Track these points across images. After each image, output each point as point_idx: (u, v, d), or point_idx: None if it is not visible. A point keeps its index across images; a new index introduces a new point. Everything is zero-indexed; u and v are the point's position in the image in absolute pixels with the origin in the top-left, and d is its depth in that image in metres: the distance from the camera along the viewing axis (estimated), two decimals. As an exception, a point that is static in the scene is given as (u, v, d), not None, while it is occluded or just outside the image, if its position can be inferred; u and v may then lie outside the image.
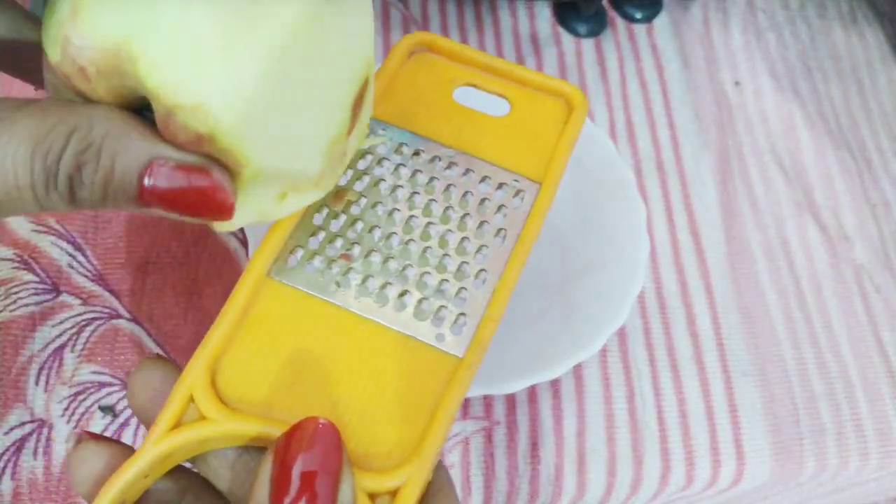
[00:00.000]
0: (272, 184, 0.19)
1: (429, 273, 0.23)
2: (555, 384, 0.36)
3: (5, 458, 0.32)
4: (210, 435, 0.20)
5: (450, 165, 0.24)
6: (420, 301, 0.22)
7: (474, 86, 0.26)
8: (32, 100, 0.17)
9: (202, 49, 0.16)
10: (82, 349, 0.34)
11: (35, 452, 0.32)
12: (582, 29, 0.48)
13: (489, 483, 0.34)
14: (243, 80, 0.17)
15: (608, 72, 0.47)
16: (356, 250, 0.23)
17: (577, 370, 0.37)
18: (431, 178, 0.24)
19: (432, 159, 0.24)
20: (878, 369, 0.40)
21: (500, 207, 0.24)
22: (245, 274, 0.22)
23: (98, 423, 0.33)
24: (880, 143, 0.48)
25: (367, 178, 0.24)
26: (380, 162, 0.24)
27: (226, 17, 0.16)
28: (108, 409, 0.33)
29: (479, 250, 0.23)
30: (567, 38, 0.48)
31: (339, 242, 0.23)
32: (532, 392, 0.36)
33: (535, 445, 0.35)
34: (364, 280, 0.22)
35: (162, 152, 0.17)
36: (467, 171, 0.24)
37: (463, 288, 0.23)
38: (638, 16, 0.50)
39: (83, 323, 0.35)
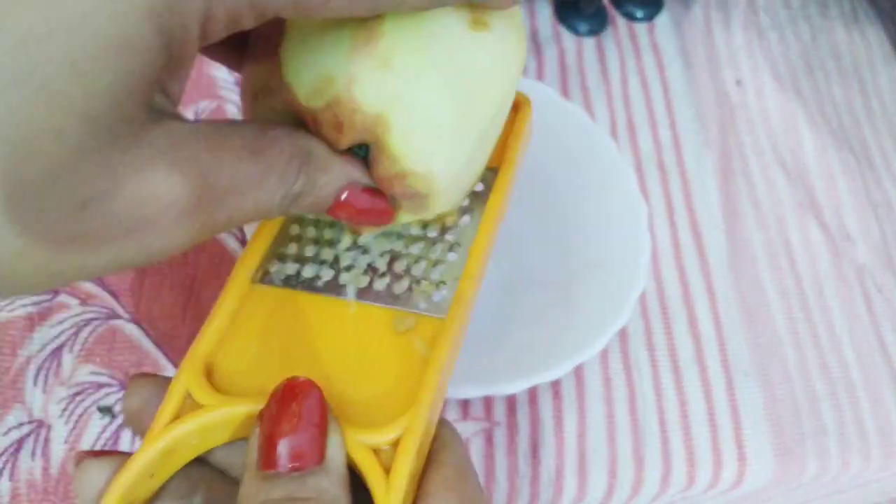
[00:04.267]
0: None
1: (402, 254, 0.25)
2: (555, 385, 0.36)
3: (4, 458, 0.32)
4: (208, 422, 0.20)
5: None
6: (397, 278, 0.24)
7: None
8: (247, 122, 0.20)
9: (440, 132, 0.21)
10: (81, 350, 0.34)
11: (33, 453, 0.32)
12: (583, 27, 0.48)
13: (489, 484, 0.34)
14: (460, 157, 0.22)
15: (609, 71, 0.47)
16: (334, 249, 0.25)
17: (578, 371, 0.37)
18: None
19: None
20: (881, 370, 0.40)
21: (448, 215, 0.26)
22: (231, 279, 0.24)
23: (96, 424, 0.33)
24: (882, 143, 0.48)
25: None
26: None
27: (459, 103, 0.21)
28: (107, 410, 0.33)
29: (448, 230, 0.25)
30: (568, 37, 0.48)
31: (314, 246, 0.25)
32: (532, 393, 0.36)
33: (535, 446, 0.35)
34: (343, 270, 0.24)
35: (356, 177, 0.21)
36: None
37: (438, 261, 0.25)
38: (639, 14, 0.49)
39: (81, 323, 0.35)
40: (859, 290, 0.42)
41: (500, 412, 0.35)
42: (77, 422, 0.33)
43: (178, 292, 0.36)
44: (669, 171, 0.44)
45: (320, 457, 0.19)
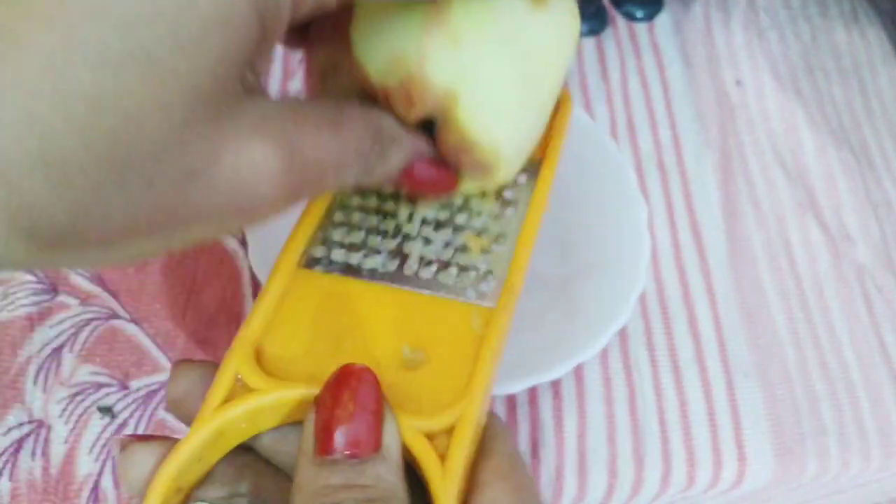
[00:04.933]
0: None
1: (449, 242, 0.25)
2: (555, 385, 0.36)
3: (4, 458, 0.32)
4: (258, 406, 0.20)
5: None
6: (445, 266, 0.24)
7: None
8: (324, 101, 0.21)
9: (505, 106, 0.22)
10: (81, 350, 0.34)
11: (33, 453, 0.32)
12: (582, 27, 0.48)
13: (489, 484, 0.34)
14: (523, 130, 0.23)
15: (609, 71, 0.47)
16: (380, 236, 0.25)
17: (578, 371, 0.37)
18: None
19: None
20: (881, 370, 0.40)
21: (508, 185, 0.26)
22: (278, 263, 0.24)
23: (96, 424, 0.33)
24: (882, 143, 0.48)
25: None
26: None
27: (523, 78, 0.22)
28: (107, 410, 0.33)
29: (495, 219, 0.26)
30: (568, 37, 0.48)
31: (361, 233, 0.25)
32: (532, 393, 0.36)
33: (535, 446, 0.35)
34: (389, 257, 0.25)
35: (423, 149, 0.23)
36: None
37: (484, 251, 0.25)
38: (639, 14, 0.49)
39: (81, 323, 0.35)
40: (859, 290, 0.42)
41: (500, 412, 0.35)
42: (77, 422, 0.33)
43: (178, 292, 0.36)
44: (669, 170, 0.44)
45: (377, 444, 0.19)
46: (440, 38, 0.21)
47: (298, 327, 0.23)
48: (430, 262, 0.25)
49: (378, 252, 0.25)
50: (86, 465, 0.32)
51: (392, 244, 0.25)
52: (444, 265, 0.24)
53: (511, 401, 0.36)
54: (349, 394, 0.19)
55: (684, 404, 0.37)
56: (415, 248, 0.25)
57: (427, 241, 0.25)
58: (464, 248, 0.25)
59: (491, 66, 0.22)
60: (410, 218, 0.26)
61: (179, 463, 0.19)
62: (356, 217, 0.26)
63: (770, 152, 0.46)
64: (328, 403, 0.19)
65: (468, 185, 0.24)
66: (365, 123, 0.21)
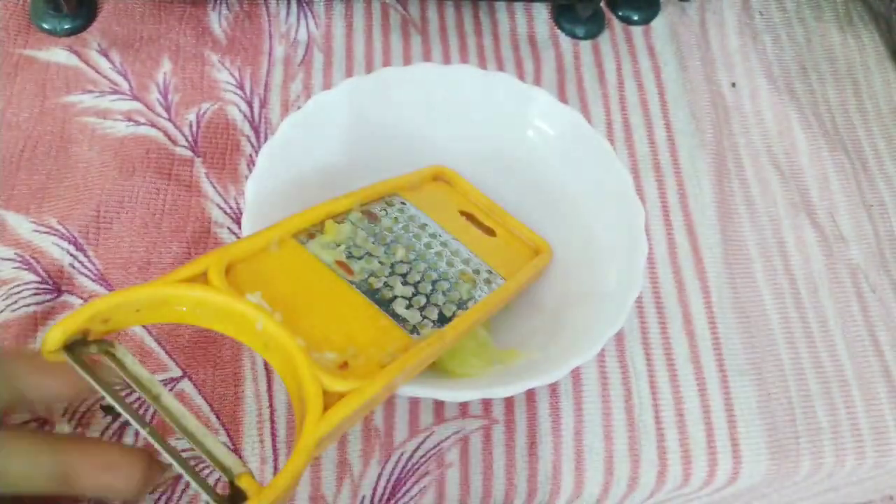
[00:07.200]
0: None
1: (409, 284, 0.31)
2: (553, 384, 0.37)
3: (7, 457, 0.32)
4: (207, 299, 0.23)
5: (445, 242, 0.34)
6: (396, 297, 0.30)
7: (472, 215, 0.37)
8: None
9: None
10: (83, 349, 0.34)
11: (36, 452, 0.32)
12: (580, 31, 0.48)
13: (487, 481, 0.34)
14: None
15: (606, 73, 0.47)
16: (363, 261, 0.30)
17: (575, 370, 0.37)
18: (429, 242, 0.34)
19: (433, 233, 0.34)
20: (874, 368, 0.40)
21: (471, 272, 0.33)
22: (279, 225, 0.28)
23: (99, 424, 0.33)
24: (876, 144, 0.49)
25: (384, 232, 0.33)
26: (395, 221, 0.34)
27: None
28: (110, 409, 0.33)
29: (450, 288, 0.32)
30: (565, 41, 0.48)
31: (350, 249, 0.30)
32: (530, 392, 0.36)
33: (533, 444, 0.35)
34: (362, 271, 0.30)
35: None
36: (456, 248, 0.34)
37: (434, 303, 0.31)
38: (635, 18, 0.50)
39: (84, 323, 0.35)
40: (853, 290, 0.43)
41: (498, 410, 0.36)
42: (80, 421, 0.33)
43: (180, 292, 0.36)
44: (665, 172, 0.44)
45: None
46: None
47: (269, 275, 0.26)
48: (388, 287, 0.30)
49: (361, 259, 0.30)
50: (89, 463, 0.32)
51: (372, 267, 0.30)
52: (397, 297, 0.30)
53: (509, 399, 0.36)
54: None
55: (680, 402, 0.37)
56: (384, 278, 0.30)
57: (395, 276, 0.31)
58: (422, 291, 0.31)
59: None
60: (389, 259, 0.31)
61: (121, 298, 0.21)
62: (358, 235, 0.31)
63: (764, 153, 0.46)
64: None
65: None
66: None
